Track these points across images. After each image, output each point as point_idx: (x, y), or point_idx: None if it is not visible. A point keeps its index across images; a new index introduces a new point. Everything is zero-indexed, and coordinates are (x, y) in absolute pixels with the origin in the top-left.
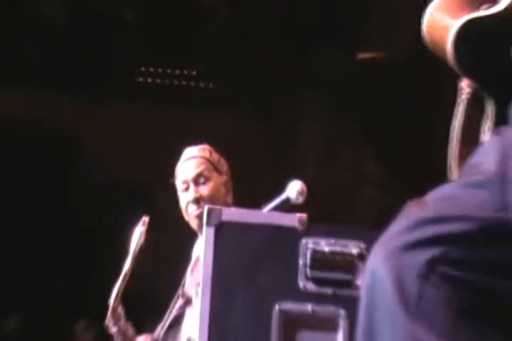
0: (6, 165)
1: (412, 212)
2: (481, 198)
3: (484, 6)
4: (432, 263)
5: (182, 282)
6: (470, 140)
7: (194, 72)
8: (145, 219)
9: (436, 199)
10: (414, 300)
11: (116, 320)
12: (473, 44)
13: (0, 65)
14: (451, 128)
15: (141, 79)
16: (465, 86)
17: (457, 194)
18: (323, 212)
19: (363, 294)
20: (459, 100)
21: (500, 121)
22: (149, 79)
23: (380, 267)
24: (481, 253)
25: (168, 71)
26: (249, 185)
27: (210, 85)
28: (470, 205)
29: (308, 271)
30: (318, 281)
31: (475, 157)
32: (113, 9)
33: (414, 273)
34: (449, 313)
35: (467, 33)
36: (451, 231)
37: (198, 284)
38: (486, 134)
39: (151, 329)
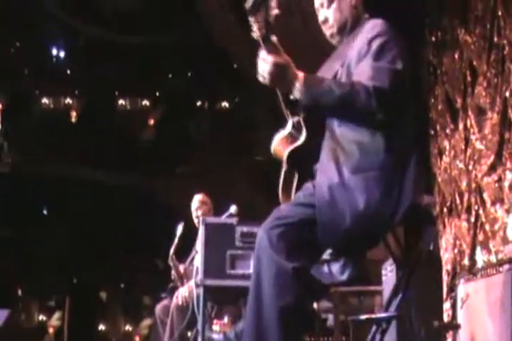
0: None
1: (274, 212)
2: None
3: (292, 142)
4: (278, 230)
5: (195, 246)
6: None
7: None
8: (182, 223)
9: (281, 209)
10: (274, 244)
11: (173, 261)
12: (294, 157)
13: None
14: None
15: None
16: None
17: (286, 207)
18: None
19: (255, 247)
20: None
21: None
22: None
23: (261, 234)
24: (298, 232)
25: None
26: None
27: None
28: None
29: (239, 239)
30: (242, 246)
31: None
32: None
33: (274, 235)
34: (288, 248)
35: (293, 153)
36: (282, 222)
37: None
38: None
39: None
